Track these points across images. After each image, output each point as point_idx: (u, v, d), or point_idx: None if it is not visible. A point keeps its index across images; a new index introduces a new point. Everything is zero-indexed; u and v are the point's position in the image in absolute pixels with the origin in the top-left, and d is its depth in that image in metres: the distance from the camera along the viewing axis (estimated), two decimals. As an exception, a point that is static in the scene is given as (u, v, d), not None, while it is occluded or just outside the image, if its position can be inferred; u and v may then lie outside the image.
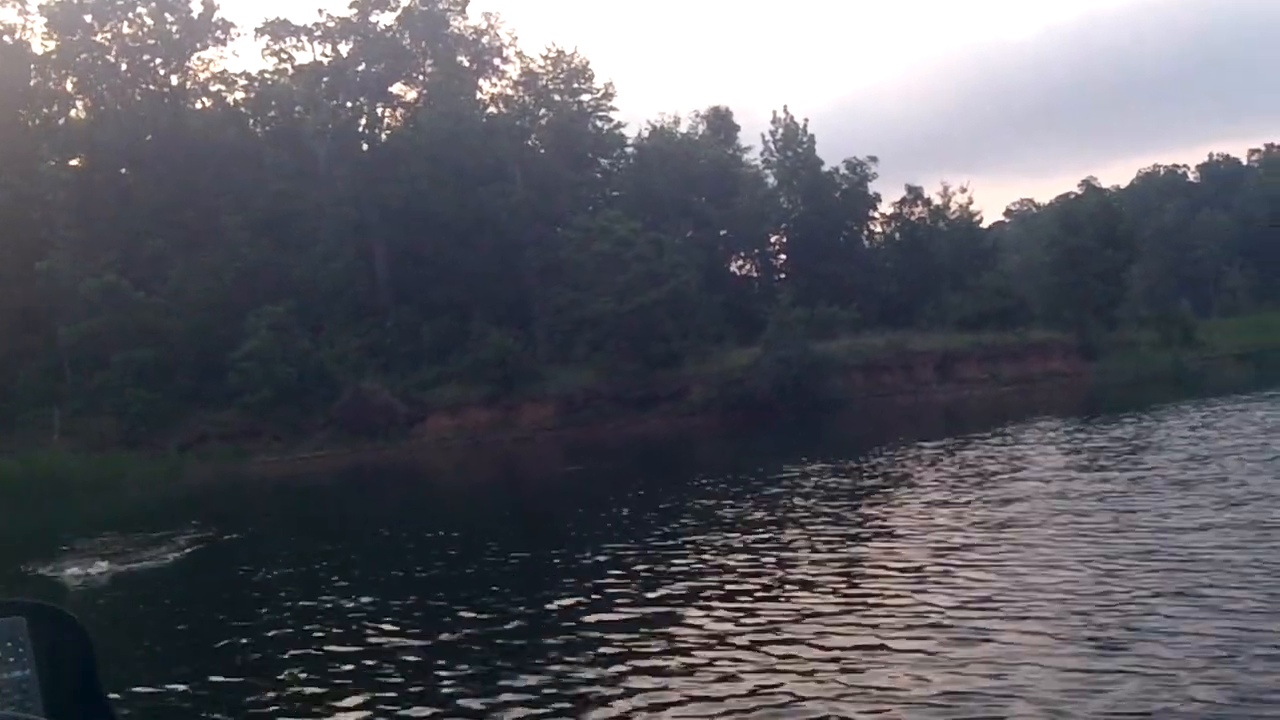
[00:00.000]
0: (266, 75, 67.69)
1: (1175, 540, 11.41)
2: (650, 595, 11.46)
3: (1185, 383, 41.50)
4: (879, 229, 68.04)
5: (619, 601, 11.24)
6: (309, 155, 62.79)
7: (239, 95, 67.74)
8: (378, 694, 8.56)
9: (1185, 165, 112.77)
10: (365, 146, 66.04)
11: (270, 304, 50.16)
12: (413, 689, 8.60)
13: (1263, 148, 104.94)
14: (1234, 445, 18.99)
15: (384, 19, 66.52)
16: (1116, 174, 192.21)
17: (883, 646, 8.44)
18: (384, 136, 66.82)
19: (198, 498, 34.44)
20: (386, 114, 68.78)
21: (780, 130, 67.99)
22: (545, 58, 67.58)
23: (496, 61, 69.56)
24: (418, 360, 52.91)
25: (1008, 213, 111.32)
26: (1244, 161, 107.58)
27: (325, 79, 66.45)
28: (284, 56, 67.33)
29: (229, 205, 56.44)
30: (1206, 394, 32.99)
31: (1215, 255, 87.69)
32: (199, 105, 66.15)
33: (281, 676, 9.50)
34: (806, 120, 67.53)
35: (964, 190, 66.37)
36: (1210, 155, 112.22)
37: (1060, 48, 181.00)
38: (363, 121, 67.98)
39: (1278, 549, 10.41)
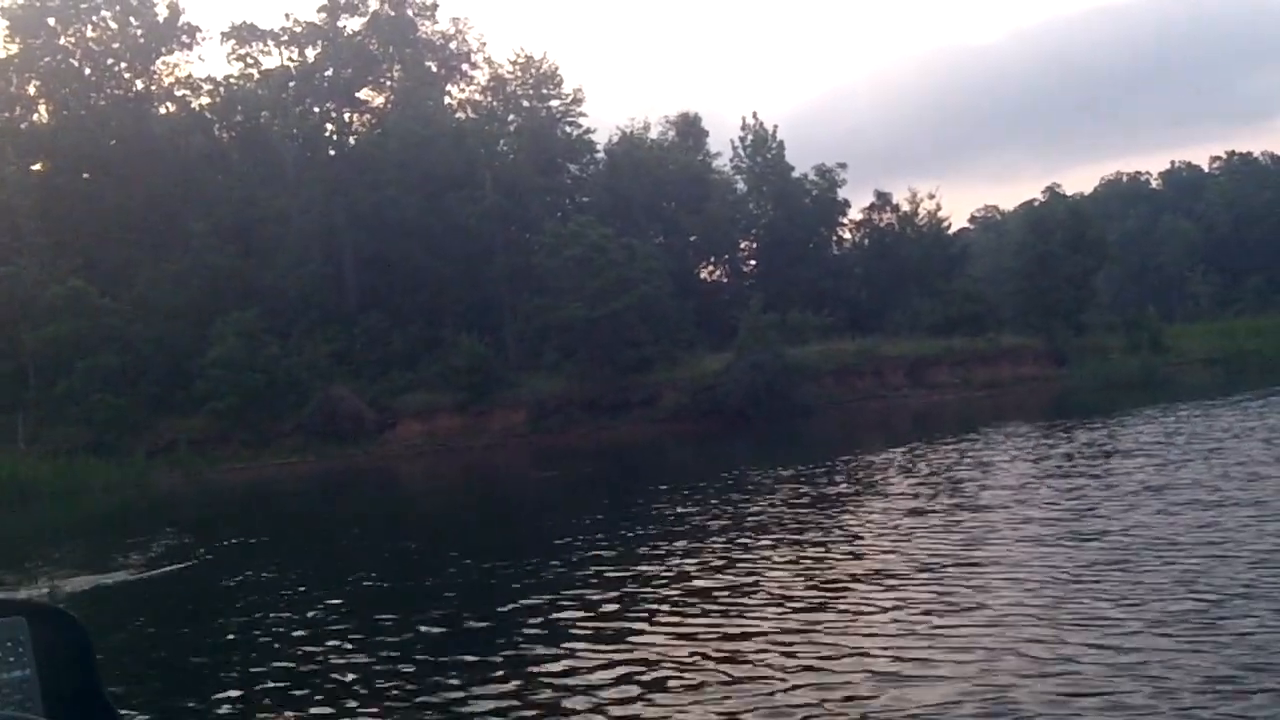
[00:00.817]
0: (232, 80, 67.19)
1: (1152, 548, 11.38)
2: (615, 607, 11.28)
3: (1156, 387, 41.94)
4: (848, 235, 68.56)
5: (581, 614, 11.03)
6: (276, 161, 62.37)
7: (204, 100, 67.17)
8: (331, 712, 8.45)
9: (1148, 172, 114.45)
10: (332, 152, 65.65)
11: (238, 310, 49.73)
12: (366, 706, 8.48)
13: (1224, 155, 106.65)
14: (1206, 450, 19.16)
15: (352, 24, 66.33)
16: (1080, 181, 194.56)
17: (853, 660, 8.28)
18: (352, 141, 66.47)
19: (167, 505, 34.11)
20: (354, 119, 68.47)
21: (750, 136, 68.24)
22: (514, 63, 67.59)
23: (465, 67, 69.54)
24: (387, 366, 52.62)
25: (972, 219, 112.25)
26: (1206, 169, 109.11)
27: (292, 84, 66.12)
28: (250, 61, 66.95)
29: (195, 211, 55.91)
30: (1178, 399, 33.35)
31: (1178, 262, 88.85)
32: (164, 110, 65.47)
33: (237, 699, 9.33)
34: (776, 127, 67.90)
35: (932, 196, 66.90)
36: (1172, 163, 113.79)
37: (1025, 53, 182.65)
38: (330, 127, 67.63)
39: (1255, 557, 10.45)
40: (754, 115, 68.94)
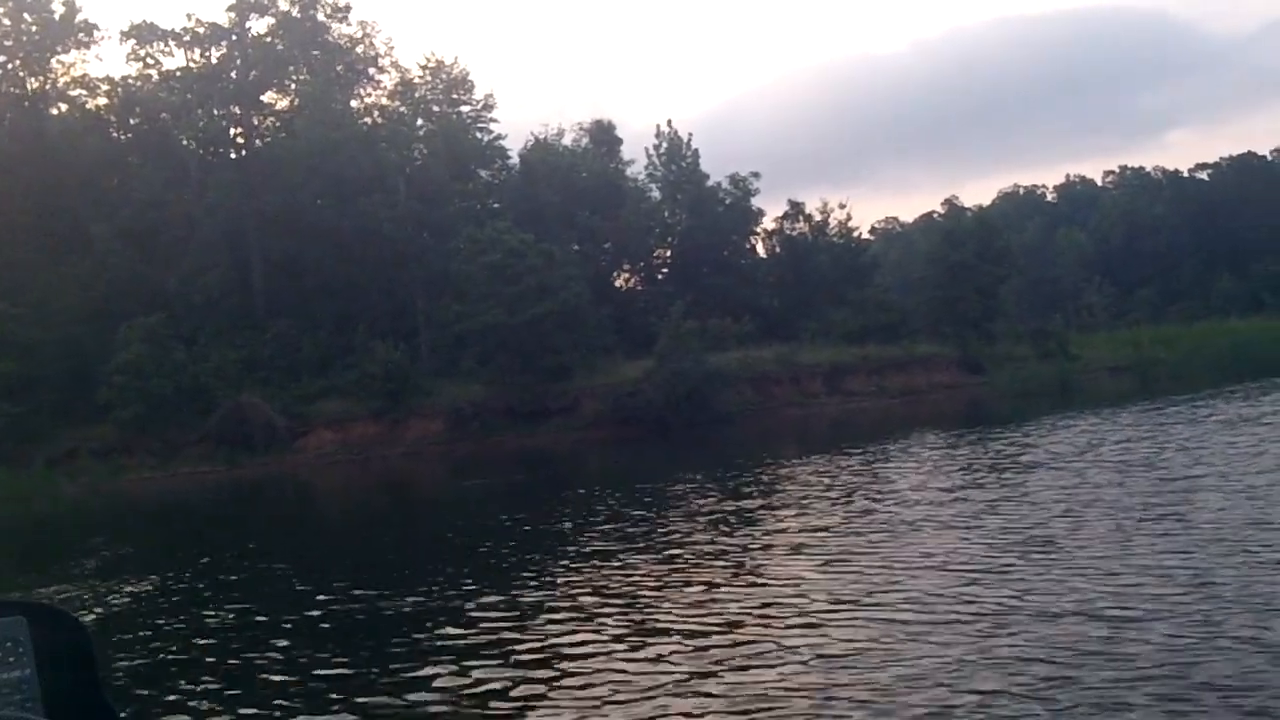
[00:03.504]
0: (130, 80, 65.23)
1: (1071, 563, 11.51)
2: (500, 650, 10.53)
3: (1073, 394, 43.23)
4: (761, 244, 69.50)
5: (462, 659, 10.19)
6: (179, 163, 60.77)
7: (101, 101, 65.09)
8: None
9: (1044, 185, 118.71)
10: (234, 155, 64.13)
11: (142, 315, 48.32)
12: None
13: (1118, 169, 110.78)
14: (1128, 461, 19.66)
15: (258, 25, 64.92)
16: (978, 193, 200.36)
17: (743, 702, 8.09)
18: (258, 144, 65.04)
19: (78, 517, 33.01)
20: (259, 122, 66.98)
21: (664, 144, 68.64)
22: (424, 68, 66.85)
23: (371, 71, 68.58)
24: (298, 373, 51.61)
25: (873, 230, 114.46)
26: (1099, 183, 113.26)
27: (195, 85, 64.45)
28: (151, 61, 65.05)
29: (96, 213, 54.22)
30: (1092, 405, 34.35)
31: (1073, 274, 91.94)
32: (56, 110, 63.28)
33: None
34: (691, 135, 68.45)
35: (843, 206, 68.12)
36: (1067, 176, 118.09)
37: (927, 65, 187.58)
38: (235, 130, 66.08)
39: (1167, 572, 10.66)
40: (669, 123, 69.49)
